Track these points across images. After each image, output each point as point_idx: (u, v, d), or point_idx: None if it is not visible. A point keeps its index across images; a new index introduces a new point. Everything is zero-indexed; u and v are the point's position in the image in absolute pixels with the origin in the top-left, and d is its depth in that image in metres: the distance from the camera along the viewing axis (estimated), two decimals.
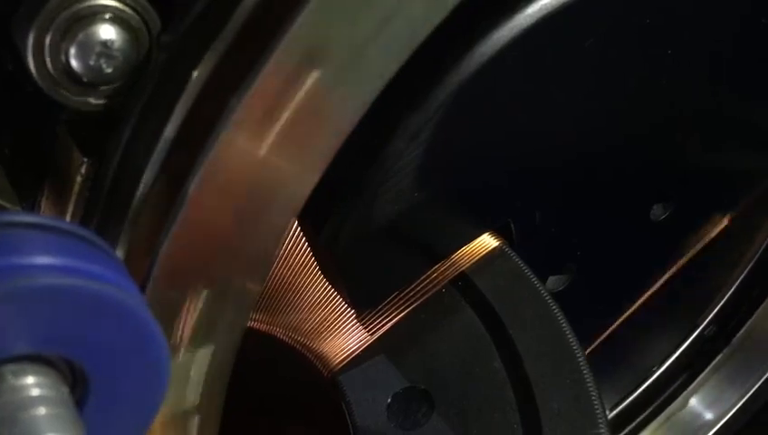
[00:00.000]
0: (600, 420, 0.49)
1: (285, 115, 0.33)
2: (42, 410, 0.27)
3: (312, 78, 0.33)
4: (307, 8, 0.31)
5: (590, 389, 0.49)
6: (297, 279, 0.51)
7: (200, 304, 0.35)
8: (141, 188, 0.33)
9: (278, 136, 0.33)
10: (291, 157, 0.34)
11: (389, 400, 0.51)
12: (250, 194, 0.34)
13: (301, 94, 0.33)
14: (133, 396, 0.30)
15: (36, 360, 0.28)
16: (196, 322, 0.36)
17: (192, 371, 0.37)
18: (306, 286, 0.51)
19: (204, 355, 0.37)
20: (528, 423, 0.49)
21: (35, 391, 0.27)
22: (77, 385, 0.29)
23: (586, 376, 0.50)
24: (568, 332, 0.51)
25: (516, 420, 0.49)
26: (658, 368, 0.69)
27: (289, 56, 0.32)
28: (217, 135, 0.32)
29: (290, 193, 0.35)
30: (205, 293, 0.35)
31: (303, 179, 0.35)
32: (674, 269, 0.63)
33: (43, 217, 0.30)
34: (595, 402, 0.49)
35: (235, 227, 0.34)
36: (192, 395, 0.38)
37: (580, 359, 0.50)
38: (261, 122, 0.33)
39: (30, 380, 0.27)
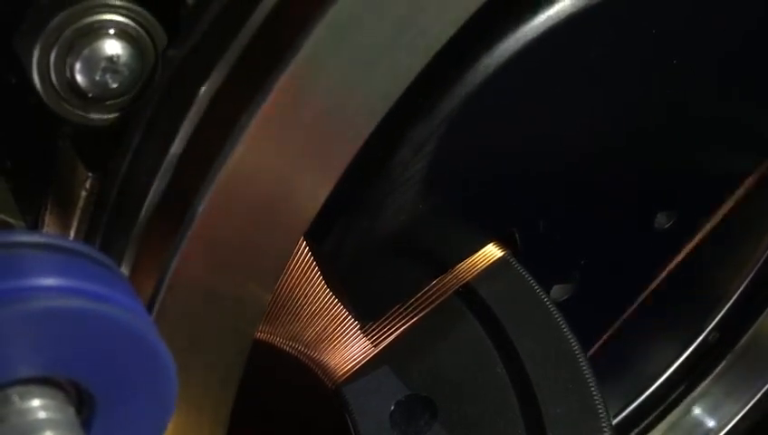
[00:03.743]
0: (605, 426, 0.49)
1: (296, 130, 0.33)
2: (48, 434, 0.27)
3: (323, 91, 0.32)
4: (319, 22, 0.31)
5: (594, 394, 0.49)
6: (300, 289, 0.51)
7: (209, 321, 0.35)
8: (147, 205, 0.33)
9: (289, 151, 0.33)
10: (301, 172, 0.34)
11: (392, 407, 0.50)
12: (260, 210, 0.34)
13: (312, 109, 0.32)
14: (140, 417, 0.30)
15: (42, 382, 0.28)
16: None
17: None
18: (309, 296, 0.51)
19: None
20: (532, 429, 0.49)
21: (42, 414, 0.27)
22: (84, 406, 0.29)
23: (590, 382, 0.50)
24: (571, 339, 0.51)
25: (520, 427, 0.49)
26: (662, 374, 0.69)
27: (299, 71, 0.31)
28: (227, 152, 0.31)
29: (300, 207, 0.35)
30: (214, 309, 0.35)
31: (314, 194, 0.35)
32: (677, 276, 0.63)
33: (48, 235, 0.30)
34: (599, 408, 0.49)
35: (244, 243, 0.34)
36: None
37: (583, 365, 0.50)
38: (271, 138, 0.32)
39: (36, 402, 0.27)
